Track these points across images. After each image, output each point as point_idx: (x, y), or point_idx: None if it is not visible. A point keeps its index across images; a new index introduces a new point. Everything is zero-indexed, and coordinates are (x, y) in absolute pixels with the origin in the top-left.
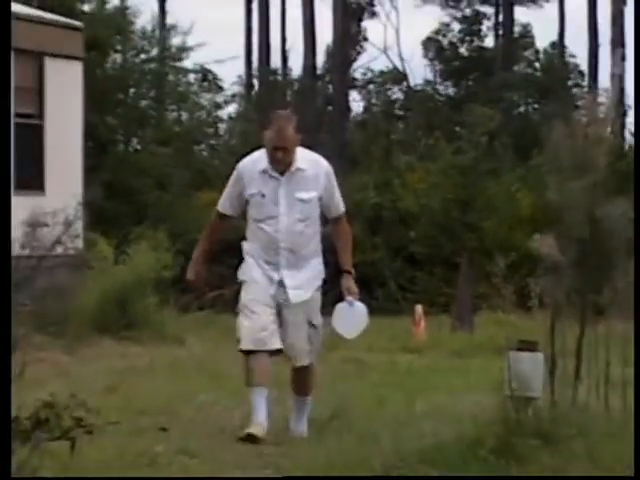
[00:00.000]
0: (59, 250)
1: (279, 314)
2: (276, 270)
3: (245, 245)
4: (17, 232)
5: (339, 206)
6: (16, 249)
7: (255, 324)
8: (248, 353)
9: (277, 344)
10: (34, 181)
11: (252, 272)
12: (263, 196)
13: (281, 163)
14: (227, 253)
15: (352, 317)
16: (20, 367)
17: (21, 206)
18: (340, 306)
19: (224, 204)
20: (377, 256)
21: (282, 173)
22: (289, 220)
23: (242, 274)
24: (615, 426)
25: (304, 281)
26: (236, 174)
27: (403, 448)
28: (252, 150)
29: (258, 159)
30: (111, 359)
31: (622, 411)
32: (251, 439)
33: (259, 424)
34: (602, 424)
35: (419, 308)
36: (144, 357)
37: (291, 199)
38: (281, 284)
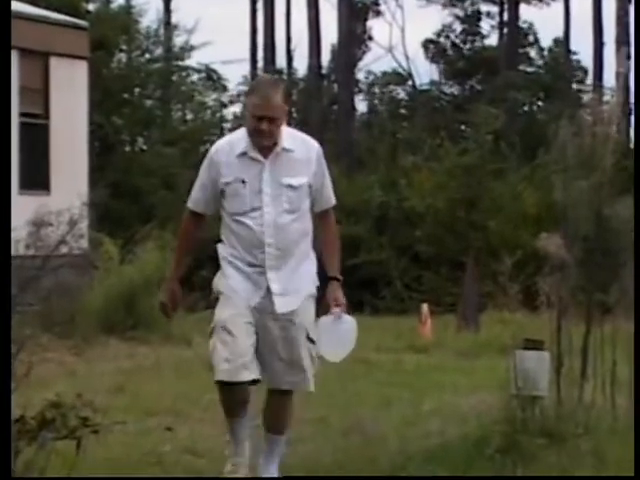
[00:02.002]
0: (64, 250)
1: (265, 328)
2: (262, 274)
3: (220, 248)
4: (22, 232)
5: (330, 197)
6: (21, 249)
7: (232, 350)
8: (224, 384)
9: (256, 373)
10: (39, 180)
11: (229, 282)
12: (243, 182)
13: (266, 137)
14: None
15: (338, 334)
16: (26, 367)
17: (26, 205)
18: (324, 320)
19: (196, 200)
20: (383, 255)
21: (265, 156)
22: (275, 211)
23: (217, 284)
24: (621, 425)
25: (294, 287)
26: (209, 160)
27: (410, 447)
28: None
29: (236, 140)
30: (117, 359)
31: (628, 410)
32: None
33: (240, 464)
34: (608, 423)
35: (425, 307)
36: (150, 357)
37: (277, 186)
38: (268, 290)
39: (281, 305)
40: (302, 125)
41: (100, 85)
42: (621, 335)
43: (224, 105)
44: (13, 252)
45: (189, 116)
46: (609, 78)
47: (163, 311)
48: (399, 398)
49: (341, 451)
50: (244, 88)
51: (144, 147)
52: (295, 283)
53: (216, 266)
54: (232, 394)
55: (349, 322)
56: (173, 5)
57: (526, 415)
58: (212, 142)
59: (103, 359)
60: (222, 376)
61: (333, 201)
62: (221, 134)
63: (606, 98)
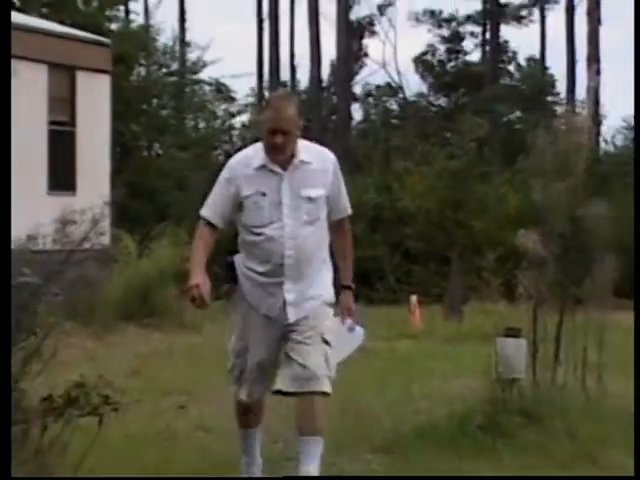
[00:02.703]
0: (87, 245)
1: (283, 336)
2: (278, 284)
3: (238, 261)
4: (49, 228)
5: (346, 207)
6: (48, 244)
7: (247, 374)
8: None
9: (270, 388)
10: (66, 182)
11: (248, 299)
12: (263, 195)
13: (280, 151)
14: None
15: (345, 341)
16: (52, 351)
17: (54, 205)
18: (337, 328)
19: (212, 212)
20: (377, 252)
21: (284, 168)
22: (295, 223)
23: (236, 305)
24: (591, 405)
25: (310, 295)
26: (227, 174)
27: (400, 425)
28: None
29: (253, 155)
30: (135, 344)
31: (597, 392)
32: None
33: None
34: (580, 403)
35: (414, 298)
36: (164, 343)
37: (296, 198)
38: (284, 302)
39: (293, 314)
40: (303, 132)
41: (121, 96)
42: (592, 324)
43: (232, 115)
44: (41, 247)
45: (201, 124)
46: (581, 92)
47: (197, 305)
48: (393, 382)
49: (339, 429)
50: (251, 99)
51: (160, 152)
52: (312, 291)
53: (227, 259)
54: (247, 410)
55: (359, 334)
56: (188, 24)
57: (505, 396)
58: (222, 148)
59: (121, 344)
60: (243, 397)
61: (349, 211)
62: (230, 141)
63: (578, 110)
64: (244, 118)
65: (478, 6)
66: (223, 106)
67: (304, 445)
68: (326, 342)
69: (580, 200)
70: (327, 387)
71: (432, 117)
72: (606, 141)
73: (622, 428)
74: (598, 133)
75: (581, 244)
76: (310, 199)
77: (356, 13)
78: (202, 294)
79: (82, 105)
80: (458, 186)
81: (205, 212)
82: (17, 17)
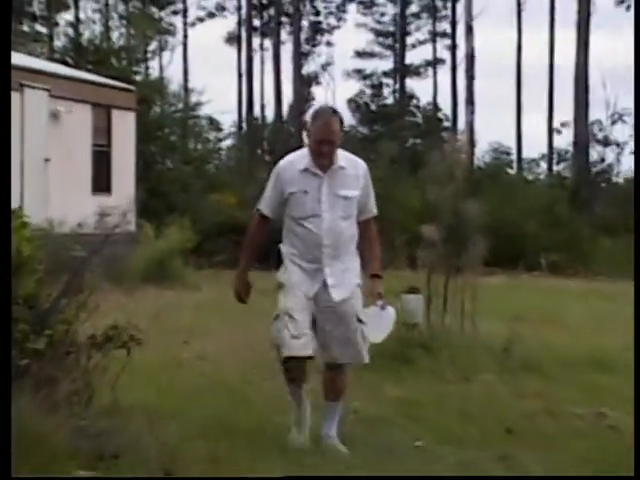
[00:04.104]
0: (118, 230)
1: (323, 313)
2: (319, 270)
3: (283, 248)
4: (92, 219)
5: (373, 208)
6: (91, 229)
7: (295, 331)
8: (287, 359)
9: (312, 350)
10: (104, 186)
11: (292, 277)
12: (306, 193)
13: (327, 158)
14: (233, 232)
15: (380, 321)
16: (95, 304)
17: (96, 202)
18: (370, 310)
19: (266, 206)
20: None
21: (324, 171)
22: (332, 217)
23: (282, 277)
24: (468, 341)
25: (345, 280)
26: (276, 175)
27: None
28: (241, 167)
29: (297, 159)
30: (153, 299)
31: (472, 331)
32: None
33: (302, 434)
34: (460, 340)
35: None
36: (175, 298)
37: (333, 197)
38: (324, 284)
39: (336, 295)
40: (270, 153)
41: (142, 126)
42: (468, 285)
43: (220, 140)
44: (87, 231)
45: (199, 146)
46: (461, 124)
47: (238, 298)
48: None
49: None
50: (233, 129)
51: (170, 166)
52: (346, 277)
53: (217, 240)
54: (297, 366)
55: (391, 312)
56: (190, 77)
57: (408, 335)
58: (213, 163)
59: (144, 299)
60: (290, 352)
61: (375, 211)
62: (219, 158)
63: (459, 137)
64: (228, 142)
65: (391, 65)
66: (213, 134)
67: (330, 409)
68: (360, 321)
69: (460, 200)
70: (366, 359)
71: (359, 142)
72: (478, 159)
73: (489, 357)
74: (472, 153)
75: (461, 230)
76: (346, 198)
77: (306, 69)
78: (242, 297)
79: (116, 133)
80: (380, 189)
81: (260, 205)
82: (72, 71)
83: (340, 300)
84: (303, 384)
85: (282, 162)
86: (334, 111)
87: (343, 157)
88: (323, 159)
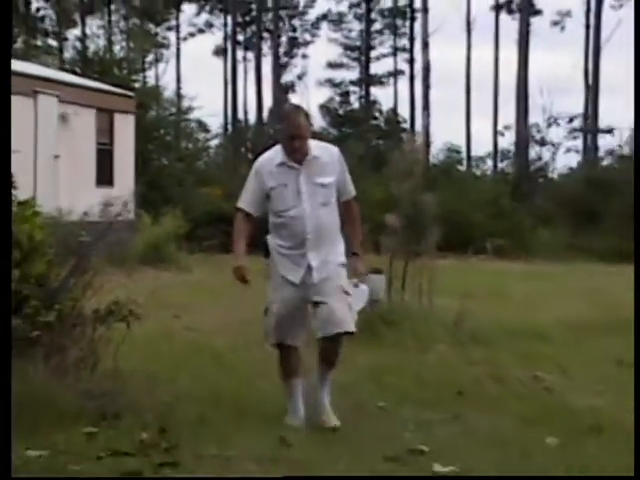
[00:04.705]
0: (120, 219)
1: (309, 293)
2: (303, 255)
3: (270, 240)
4: (97, 208)
5: (351, 189)
6: (96, 217)
7: (279, 325)
8: (279, 348)
9: (296, 342)
10: (107, 180)
11: (279, 268)
12: (285, 186)
13: (299, 151)
14: (220, 220)
15: (354, 296)
16: (99, 283)
17: (100, 194)
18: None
19: (246, 202)
20: None
21: (300, 163)
22: (312, 206)
23: (270, 270)
24: (425, 315)
25: (328, 261)
26: (255, 172)
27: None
28: (227, 164)
29: (274, 155)
30: (150, 279)
31: (428, 306)
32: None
33: (297, 420)
34: (417, 315)
35: None
36: (169, 278)
37: (312, 186)
38: (309, 267)
39: (317, 276)
40: (252, 152)
41: (141, 128)
42: (424, 267)
43: (207, 140)
44: (92, 219)
45: (190, 145)
46: (418, 127)
47: (240, 281)
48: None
49: None
50: (220, 130)
51: (165, 162)
52: (329, 259)
53: (206, 227)
54: (289, 356)
55: (363, 289)
56: (182, 84)
57: (373, 310)
58: (202, 160)
59: (142, 279)
60: (276, 340)
61: (353, 192)
62: (208, 156)
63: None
64: (215, 142)
65: (357, 75)
66: (202, 134)
67: (323, 374)
68: (346, 292)
69: (418, 193)
70: (352, 327)
71: (329, 142)
72: (433, 157)
73: (442, 329)
74: (428, 152)
75: (418, 219)
76: (323, 185)
77: (284, 79)
78: (244, 274)
79: (117, 133)
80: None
81: (240, 204)
82: (79, 80)
83: (321, 279)
84: (297, 377)
85: (259, 159)
86: (298, 107)
87: (316, 147)
88: (297, 154)
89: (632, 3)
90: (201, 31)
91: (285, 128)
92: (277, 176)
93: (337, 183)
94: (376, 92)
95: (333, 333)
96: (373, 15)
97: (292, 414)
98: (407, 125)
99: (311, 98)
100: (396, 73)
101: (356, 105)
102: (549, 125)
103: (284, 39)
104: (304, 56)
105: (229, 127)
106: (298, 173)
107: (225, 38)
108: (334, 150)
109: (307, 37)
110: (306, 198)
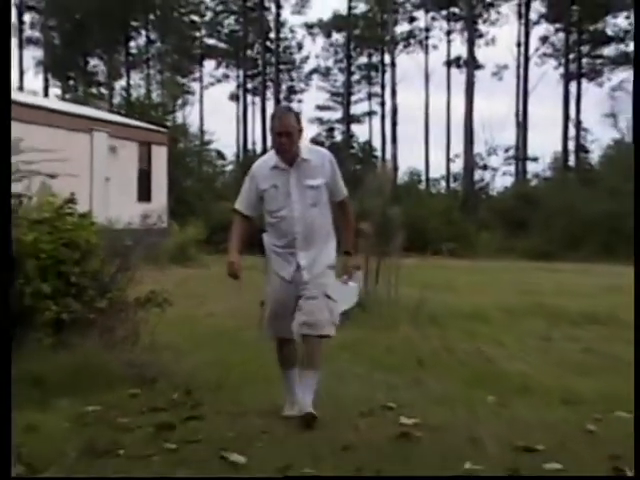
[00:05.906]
0: (156, 227)
1: (297, 291)
2: (293, 254)
3: (265, 238)
4: (138, 219)
5: (342, 190)
6: (137, 226)
7: (273, 319)
8: (276, 339)
9: (290, 335)
10: (146, 196)
11: (273, 265)
12: (276, 187)
13: (286, 149)
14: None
15: (344, 294)
16: (139, 277)
17: (140, 208)
18: (336, 284)
19: (243, 205)
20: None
21: (290, 165)
22: (302, 206)
23: (266, 267)
24: (391, 302)
25: (317, 262)
26: (250, 175)
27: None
28: (239, 183)
29: (268, 159)
30: (178, 274)
31: (395, 295)
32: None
33: (294, 409)
34: (386, 301)
35: None
36: (192, 273)
37: (301, 187)
38: (298, 266)
39: (306, 276)
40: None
41: (172, 156)
42: (392, 264)
43: (224, 165)
44: (134, 227)
45: (210, 170)
46: (388, 156)
47: (232, 276)
48: None
49: None
50: (233, 159)
51: (190, 183)
52: (318, 259)
53: (222, 233)
54: (285, 346)
55: (353, 287)
56: (204, 122)
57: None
58: (219, 182)
59: (172, 274)
60: (271, 333)
61: (345, 192)
62: (223, 178)
63: (387, 164)
64: (230, 167)
65: (340, 115)
66: (219, 161)
67: (304, 377)
68: (328, 297)
69: (387, 206)
70: (330, 331)
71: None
72: (399, 179)
73: (406, 312)
74: (396, 175)
75: (387, 227)
76: (312, 187)
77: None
78: (235, 270)
79: (154, 160)
80: None
81: (237, 206)
82: (124, 119)
83: (309, 279)
84: (293, 368)
85: (255, 164)
86: (289, 109)
87: (307, 150)
88: (284, 151)
89: (552, 60)
90: (219, 81)
91: (274, 125)
92: (270, 178)
93: (328, 185)
94: (355, 128)
95: (309, 334)
96: (353, 69)
97: (289, 405)
98: (379, 154)
99: (303, 133)
100: (370, 113)
101: (339, 138)
102: (489, 154)
103: (284, 87)
104: (299, 101)
105: (240, 155)
106: (289, 175)
107: (238, 86)
108: (325, 153)
109: (302, 86)
110: (296, 199)
